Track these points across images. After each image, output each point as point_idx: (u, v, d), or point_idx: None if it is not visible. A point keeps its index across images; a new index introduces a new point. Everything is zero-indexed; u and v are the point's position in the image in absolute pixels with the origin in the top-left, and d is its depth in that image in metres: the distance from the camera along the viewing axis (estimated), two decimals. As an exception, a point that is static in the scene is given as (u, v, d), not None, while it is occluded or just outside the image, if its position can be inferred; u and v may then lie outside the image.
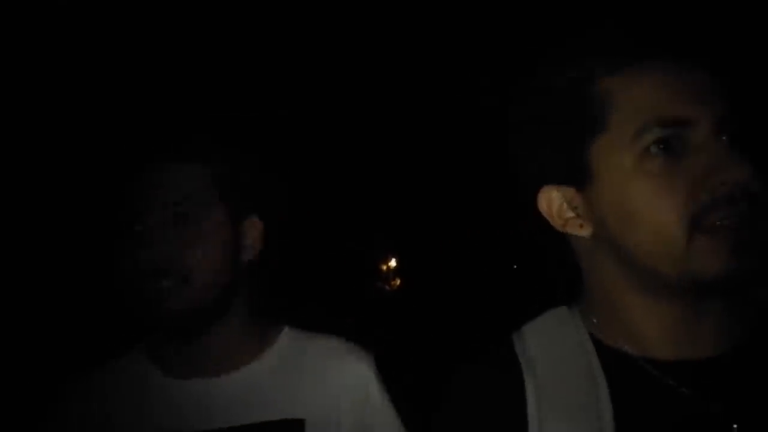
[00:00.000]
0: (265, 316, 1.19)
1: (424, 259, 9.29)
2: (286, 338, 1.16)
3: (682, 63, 0.72)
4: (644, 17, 0.75)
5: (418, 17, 5.02)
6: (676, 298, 0.73)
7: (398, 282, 10.38)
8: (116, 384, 1.12)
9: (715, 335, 0.74)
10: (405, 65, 5.66)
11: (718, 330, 0.74)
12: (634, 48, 0.73)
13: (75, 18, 3.66)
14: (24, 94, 3.76)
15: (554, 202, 0.80)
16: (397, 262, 10.60)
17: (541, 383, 0.77)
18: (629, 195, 0.72)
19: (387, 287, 10.26)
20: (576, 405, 0.74)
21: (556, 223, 0.80)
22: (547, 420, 0.75)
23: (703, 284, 0.70)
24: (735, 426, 0.70)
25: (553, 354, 0.80)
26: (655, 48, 0.72)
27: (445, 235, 8.95)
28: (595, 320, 0.80)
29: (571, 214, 0.78)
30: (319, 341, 1.17)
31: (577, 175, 0.76)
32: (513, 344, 0.83)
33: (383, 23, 5.03)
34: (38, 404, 1.14)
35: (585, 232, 0.77)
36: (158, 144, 1.10)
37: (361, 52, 5.34)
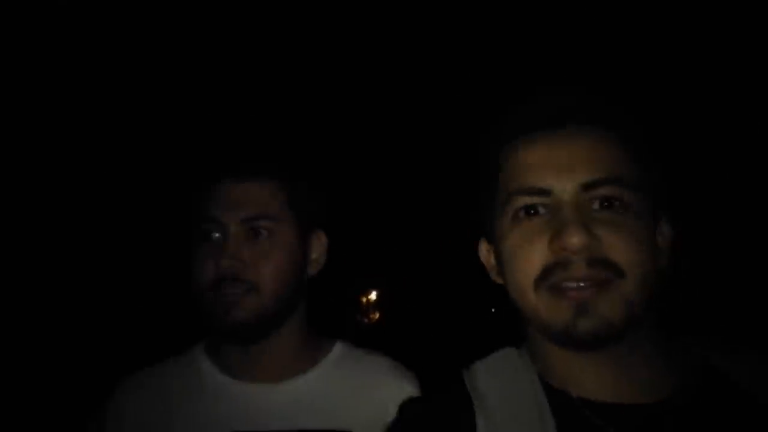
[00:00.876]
0: (318, 329, 1.25)
1: (404, 294, 9.28)
2: (339, 352, 1.20)
3: (556, 137, 0.80)
4: (537, 95, 0.85)
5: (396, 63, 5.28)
6: (564, 347, 0.78)
7: (377, 315, 10.33)
8: (175, 378, 1.17)
9: (644, 382, 0.78)
10: (381, 99, 5.87)
11: (645, 377, 0.78)
12: (518, 124, 0.83)
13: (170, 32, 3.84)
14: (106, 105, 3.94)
15: (483, 254, 0.92)
16: (378, 295, 10.55)
17: (491, 419, 0.81)
18: (503, 252, 0.81)
19: (366, 320, 10.19)
20: None
21: (489, 271, 0.90)
22: None
23: (554, 337, 0.77)
24: None
25: (503, 392, 0.83)
26: (533, 124, 0.81)
27: (428, 273, 8.96)
28: (539, 362, 0.84)
29: (493, 264, 0.88)
30: (368, 357, 1.22)
31: (488, 231, 0.87)
32: (463, 379, 0.87)
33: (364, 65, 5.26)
34: (98, 398, 1.19)
35: (501, 281, 0.86)
36: (239, 161, 1.15)
37: (334, 88, 5.53)
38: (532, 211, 0.78)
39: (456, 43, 4.95)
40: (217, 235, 1.10)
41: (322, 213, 1.23)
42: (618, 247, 0.74)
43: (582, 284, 0.73)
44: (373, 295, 10.64)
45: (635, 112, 0.84)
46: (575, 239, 0.72)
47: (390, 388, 1.15)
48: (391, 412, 1.07)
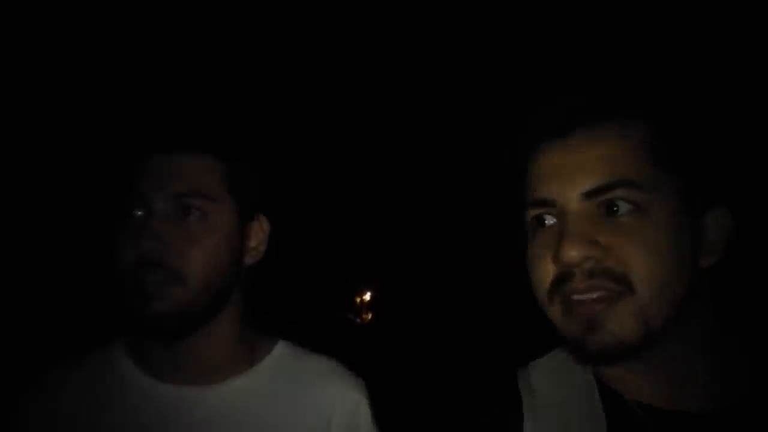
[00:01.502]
0: (258, 326, 1.12)
1: (398, 296, 9.28)
2: (279, 353, 1.10)
3: (566, 144, 0.77)
4: (549, 100, 0.82)
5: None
6: (578, 361, 0.78)
7: (370, 316, 10.33)
8: (88, 379, 1.03)
9: (701, 390, 0.76)
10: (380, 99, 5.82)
11: (701, 385, 0.76)
12: (534, 133, 0.81)
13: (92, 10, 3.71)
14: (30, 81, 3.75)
15: None
16: (372, 296, 10.56)
17: (540, 417, 0.79)
18: (527, 260, 0.81)
19: (358, 320, 10.20)
20: None
21: None
22: None
23: (569, 349, 0.76)
24: None
25: (555, 390, 0.82)
26: (547, 132, 0.80)
27: (423, 277, 8.97)
28: None
29: None
30: (312, 360, 1.11)
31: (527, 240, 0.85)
32: (517, 380, 0.86)
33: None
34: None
35: None
36: (170, 130, 1.01)
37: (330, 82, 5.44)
38: (544, 221, 0.78)
39: (452, 30, 4.89)
40: (139, 213, 0.97)
41: (269, 196, 1.10)
42: (627, 258, 0.70)
43: (590, 296, 0.71)
44: (367, 296, 10.67)
45: (661, 99, 0.79)
46: (572, 252, 0.71)
47: (334, 393, 1.06)
48: (335, 420, 1.03)
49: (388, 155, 6.90)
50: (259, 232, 1.08)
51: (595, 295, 0.71)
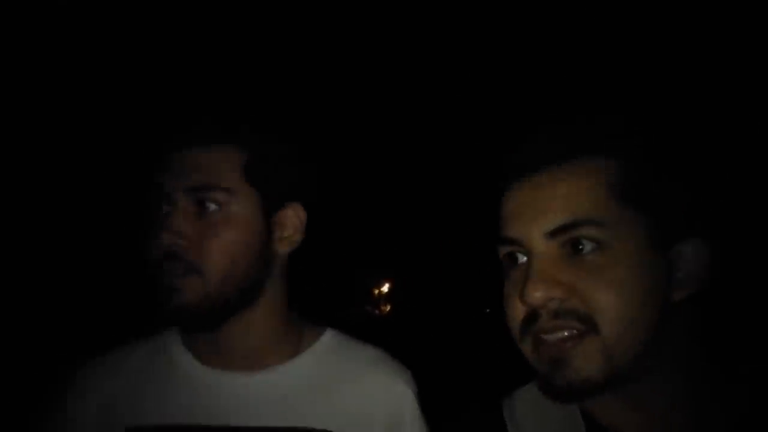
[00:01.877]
0: (305, 314, 1.13)
1: (417, 289, 9.31)
2: (326, 341, 1.10)
3: (533, 183, 0.77)
4: (520, 141, 0.83)
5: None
6: (547, 397, 0.78)
7: (388, 308, 10.37)
8: (143, 362, 1.07)
9: (680, 424, 0.75)
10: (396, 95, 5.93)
11: (680, 419, 0.75)
12: (506, 171, 0.82)
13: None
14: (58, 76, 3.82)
15: None
16: (390, 288, 10.59)
17: None
18: (503, 297, 0.81)
19: (376, 311, 10.24)
20: None
21: None
22: None
23: (538, 385, 0.78)
24: None
25: (541, 423, 0.82)
26: (517, 170, 0.80)
27: (442, 270, 8.98)
28: None
29: None
30: (360, 350, 1.10)
31: None
32: (502, 408, 0.87)
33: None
34: (57, 382, 1.09)
35: None
36: (188, 124, 1.02)
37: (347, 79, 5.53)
38: (516, 259, 0.78)
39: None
40: (164, 207, 0.99)
41: (299, 184, 1.08)
42: (591, 297, 0.71)
43: (556, 336, 0.72)
44: (385, 288, 10.65)
45: (628, 137, 0.79)
46: (535, 294, 0.72)
47: (379, 383, 1.06)
48: (379, 410, 1.03)
49: (408, 151, 6.92)
50: (293, 220, 1.07)
51: (560, 335, 0.71)
